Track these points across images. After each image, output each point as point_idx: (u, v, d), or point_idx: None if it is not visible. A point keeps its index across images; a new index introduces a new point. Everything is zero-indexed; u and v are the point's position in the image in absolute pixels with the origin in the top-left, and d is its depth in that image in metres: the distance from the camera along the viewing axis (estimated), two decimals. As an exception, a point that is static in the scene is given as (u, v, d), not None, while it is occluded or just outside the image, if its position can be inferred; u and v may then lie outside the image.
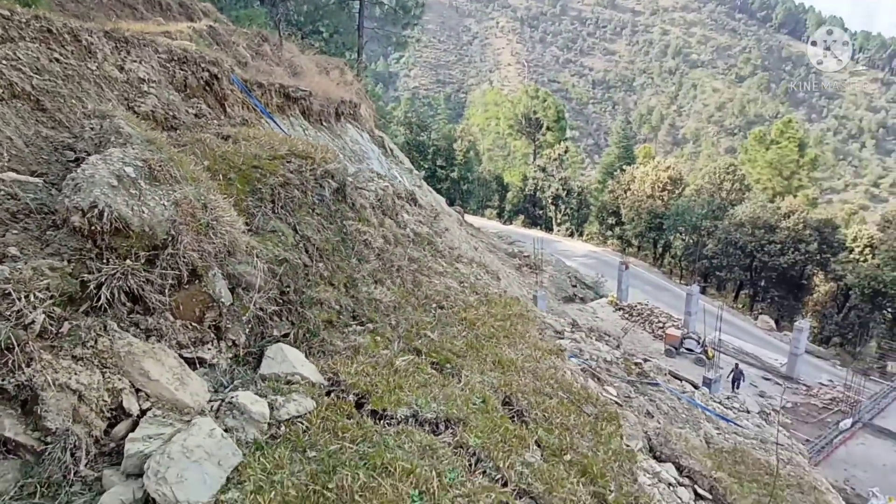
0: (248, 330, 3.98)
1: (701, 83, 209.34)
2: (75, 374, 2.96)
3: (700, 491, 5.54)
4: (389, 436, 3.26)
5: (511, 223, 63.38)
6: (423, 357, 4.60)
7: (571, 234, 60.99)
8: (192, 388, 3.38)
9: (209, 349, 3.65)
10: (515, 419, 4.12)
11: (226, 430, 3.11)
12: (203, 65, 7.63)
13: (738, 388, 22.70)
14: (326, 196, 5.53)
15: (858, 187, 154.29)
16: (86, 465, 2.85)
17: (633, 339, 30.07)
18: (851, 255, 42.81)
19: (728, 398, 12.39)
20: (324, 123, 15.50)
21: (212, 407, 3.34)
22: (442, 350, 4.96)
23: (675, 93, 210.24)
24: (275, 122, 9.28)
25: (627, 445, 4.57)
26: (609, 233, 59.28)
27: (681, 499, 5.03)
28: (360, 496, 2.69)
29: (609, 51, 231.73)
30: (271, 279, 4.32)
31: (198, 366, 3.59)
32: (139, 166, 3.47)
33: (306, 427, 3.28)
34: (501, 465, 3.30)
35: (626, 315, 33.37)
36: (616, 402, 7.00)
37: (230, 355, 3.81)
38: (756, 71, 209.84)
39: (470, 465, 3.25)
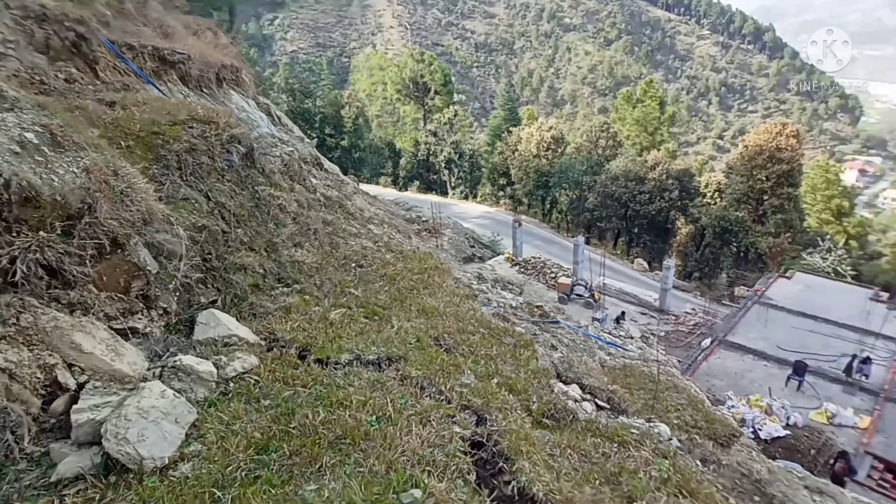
0: (176, 297, 3.93)
1: (574, 46, 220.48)
2: (1, 352, 2.82)
3: (600, 403, 6.44)
4: (339, 377, 3.50)
5: (407, 190, 63.54)
6: (355, 311, 4.83)
7: (466, 197, 62.70)
8: (128, 357, 3.34)
9: (140, 319, 3.59)
10: (447, 354, 4.54)
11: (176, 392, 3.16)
12: (67, 24, 6.85)
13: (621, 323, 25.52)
14: (235, 162, 5.41)
15: (707, 140, 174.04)
16: (29, 442, 2.78)
17: (531, 290, 32.22)
18: (705, 200, 48.83)
19: (615, 329, 14.10)
20: (204, 90, 14.44)
21: (154, 374, 3.34)
22: (368, 304, 5.21)
23: (552, 56, 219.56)
24: (157, 88, 8.60)
25: (542, 366, 5.23)
26: (501, 193, 61.75)
27: (586, 410, 5.85)
28: (324, 428, 2.93)
29: (489, 14, 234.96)
30: (193, 247, 4.25)
31: (130, 336, 3.52)
32: (39, 132, 3.23)
33: (256, 381, 3.41)
34: (444, 389, 3.69)
35: (522, 269, 35.54)
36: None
37: (162, 324, 3.77)
38: (621, 35, 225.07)
39: (416, 392, 3.60)
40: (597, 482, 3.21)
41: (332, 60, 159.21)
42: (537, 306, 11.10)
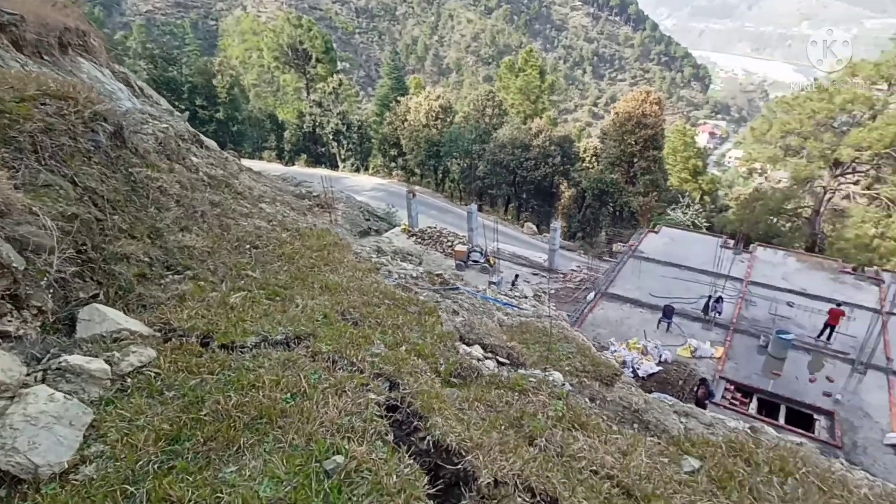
0: (50, 295, 3.58)
1: (456, 14, 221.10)
2: None
3: (501, 359, 6.92)
4: (247, 361, 3.45)
5: (294, 164, 60.75)
6: (255, 293, 4.71)
7: (357, 170, 61.44)
8: (1, 364, 3.02)
9: (10, 321, 3.23)
10: (355, 328, 4.62)
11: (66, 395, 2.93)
12: None
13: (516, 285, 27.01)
14: (102, 142, 4.90)
15: (584, 107, 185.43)
16: None
17: (429, 259, 32.82)
18: (584, 164, 52.42)
19: (511, 290, 14.99)
20: (45, 57, 12.59)
21: (35, 378, 3.06)
22: (269, 285, 5.10)
23: (434, 23, 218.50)
24: (-11, 57, 7.41)
25: (447, 331, 5.50)
26: (393, 164, 61.32)
27: (489, 367, 6.27)
28: (238, 411, 2.91)
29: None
30: (64, 238, 3.86)
31: (1, 341, 3.17)
32: None
33: (157, 373, 3.26)
34: (355, 360, 3.79)
35: (420, 240, 35.99)
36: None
37: (38, 324, 3.42)
38: (501, 3, 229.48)
39: (329, 366, 3.66)
40: (502, 427, 3.55)
41: (196, 23, 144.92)
42: (437, 275, 11.46)
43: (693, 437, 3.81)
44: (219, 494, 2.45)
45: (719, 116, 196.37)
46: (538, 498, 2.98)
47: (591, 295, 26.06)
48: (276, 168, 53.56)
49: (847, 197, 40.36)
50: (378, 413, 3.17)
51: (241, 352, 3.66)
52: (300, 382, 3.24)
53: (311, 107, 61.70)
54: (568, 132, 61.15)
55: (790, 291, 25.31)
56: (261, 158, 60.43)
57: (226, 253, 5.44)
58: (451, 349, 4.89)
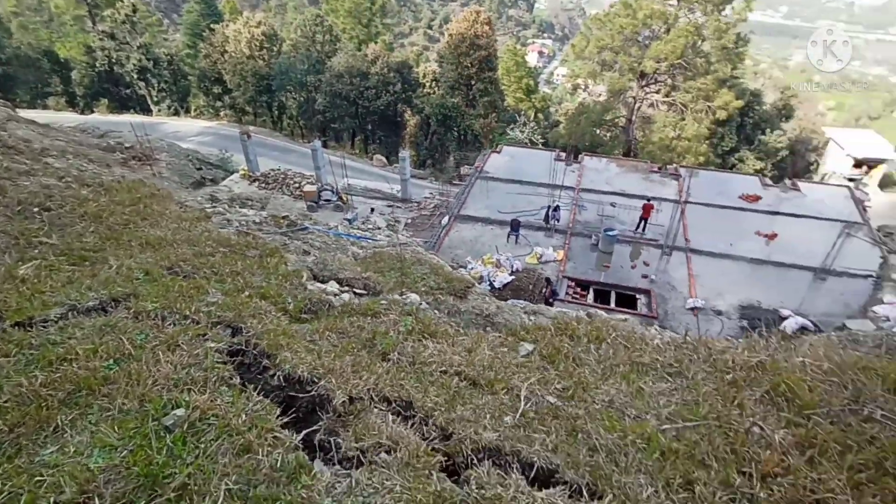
0: None
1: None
2: None
3: (358, 291, 6.97)
4: (52, 334, 3.02)
5: (93, 111, 51.66)
6: (53, 260, 4.06)
7: (177, 113, 54.40)
8: None
9: None
10: (186, 281, 4.26)
11: None
12: None
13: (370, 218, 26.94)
14: None
15: (419, 30, 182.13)
16: None
17: (276, 204, 31.05)
18: (425, 90, 52.34)
19: (364, 224, 14.93)
20: None
21: None
22: (72, 250, 4.43)
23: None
24: None
25: (293, 270, 5.32)
26: (219, 104, 55.30)
27: (345, 300, 6.28)
28: (49, 390, 2.57)
29: None
30: None
31: None
32: None
33: (-70, 369, 2.71)
34: (188, 313, 3.53)
35: (263, 184, 33.72)
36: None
37: None
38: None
39: (157, 323, 3.36)
40: (355, 350, 3.64)
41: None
42: (283, 217, 10.92)
43: (529, 326, 4.31)
44: (39, 478, 2.20)
45: (545, 35, 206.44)
46: (394, 404, 3.18)
47: (446, 219, 27.01)
48: (69, 118, 45.06)
49: (652, 105, 46.05)
50: (220, 360, 3.04)
51: (42, 326, 3.18)
52: (123, 346, 2.94)
53: (101, 39, 51.69)
54: (405, 57, 60.05)
55: (613, 193, 28.70)
56: (45, 107, 50.36)
57: (5, 219, 4.55)
58: (298, 287, 4.77)
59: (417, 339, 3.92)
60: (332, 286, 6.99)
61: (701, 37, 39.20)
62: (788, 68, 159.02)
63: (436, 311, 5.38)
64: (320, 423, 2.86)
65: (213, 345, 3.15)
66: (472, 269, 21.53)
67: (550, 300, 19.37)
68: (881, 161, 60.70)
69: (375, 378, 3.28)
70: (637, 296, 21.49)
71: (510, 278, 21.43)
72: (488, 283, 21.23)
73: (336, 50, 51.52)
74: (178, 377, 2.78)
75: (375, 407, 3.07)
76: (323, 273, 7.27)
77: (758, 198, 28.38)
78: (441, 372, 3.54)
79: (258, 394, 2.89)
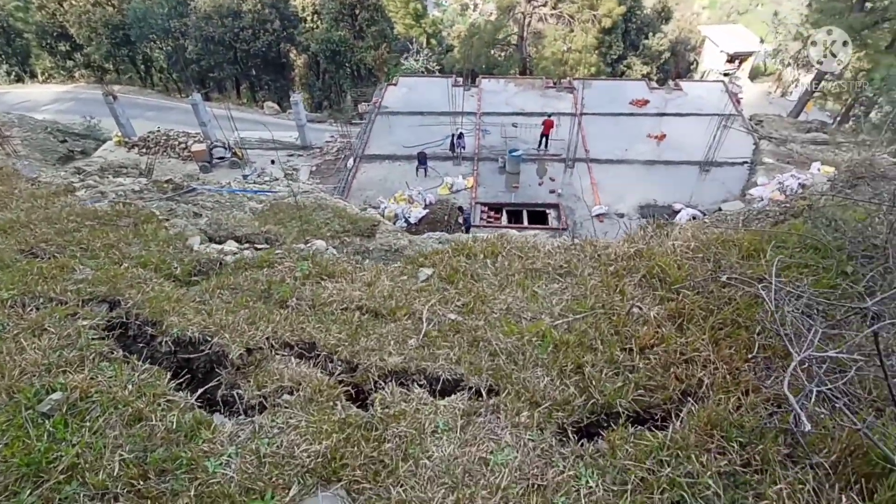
0: None
1: None
2: None
3: (258, 246, 6.67)
4: None
5: None
6: None
7: (20, 79, 47.13)
8: None
9: None
10: (47, 262, 3.87)
11: None
12: None
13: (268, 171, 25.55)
14: None
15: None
16: None
17: (164, 168, 28.53)
18: (307, 25, 48.65)
19: (259, 177, 14.10)
20: None
21: None
22: None
23: None
24: None
25: (176, 233, 4.95)
26: (70, 63, 48.31)
27: (246, 256, 6.01)
28: None
29: None
30: None
31: None
32: None
33: None
34: (53, 294, 3.23)
35: (144, 149, 30.67)
36: (162, 219, 7.12)
37: None
38: None
39: (16, 312, 3.06)
40: (250, 303, 3.54)
41: None
42: (166, 181, 10.04)
43: (427, 252, 4.38)
44: None
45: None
46: (296, 348, 3.18)
47: (351, 162, 26.22)
48: None
49: (541, 19, 45.99)
50: (96, 336, 2.84)
51: None
52: (-24, 340, 2.66)
53: None
54: (280, -10, 54.96)
55: (513, 114, 28.99)
56: None
57: None
58: (183, 250, 4.48)
59: (316, 283, 3.87)
60: (231, 245, 6.66)
61: (579, -57, 39.15)
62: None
63: (350, 255, 5.31)
64: (219, 380, 2.81)
65: (85, 322, 2.92)
66: (385, 208, 21.34)
67: (467, 227, 19.75)
68: (750, 54, 65.42)
69: (273, 326, 3.23)
70: (547, 211, 22.42)
71: (425, 212, 21.53)
72: (404, 219, 21.22)
73: (198, -12, 46.10)
74: (49, 362, 2.58)
75: (277, 354, 3.05)
76: (218, 233, 6.88)
77: (646, 101, 29.85)
78: (342, 309, 3.55)
79: (145, 362, 2.77)
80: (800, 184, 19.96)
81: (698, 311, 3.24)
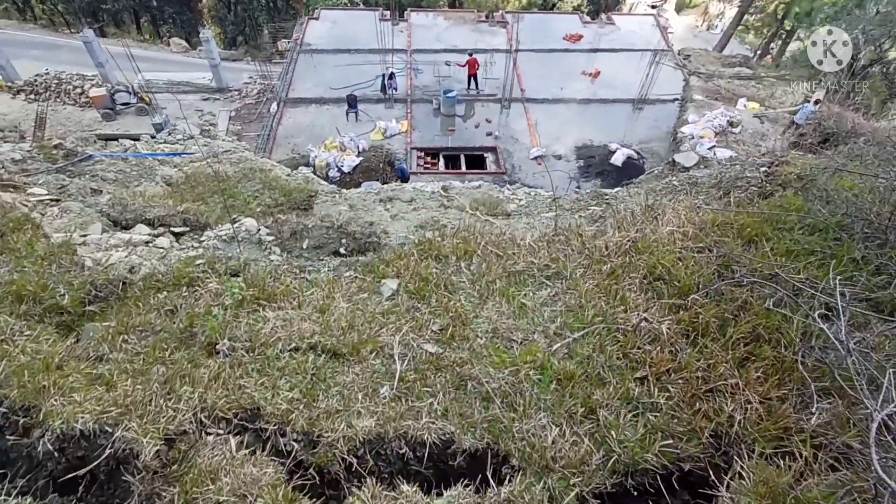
0: None
1: None
2: None
3: (175, 230, 5.66)
4: None
5: None
6: None
7: None
8: None
9: None
10: None
11: None
12: None
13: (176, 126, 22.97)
14: None
15: None
16: None
17: (59, 120, 25.05)
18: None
19: (170, 133, 12.26)
20: None
21: None
22: None
23: None
24: None
25: (62, 242, 3.88)
26: (-73, -8, 40.89)
27: (161, 247, 5.03)
28: None
29: None
30: None
31: None
32: None
33: None
34: None
35: (32, 96, 26.66)
36: (51, 201, 5.86)
37: None
38: None
39: None
40: (167, 352, 2.73)
41: None
42: (55, 147, 8.37)
43: (386, 254, 3.64)
44: None
45: None
46: (235, 421, 2.44)
47: (274, 106, 24.11)
48: None
49: (469, -55, 43.15)
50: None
51: None
52: None
53: None
54: None
55: (445, 51, 27.44)
56: None
57: None
58: (73, 267, 3.46)
59: (252, 310, 3.06)
60: (142, 231, 5.59)
61: None
62: None
63: (275, 251, 4.47)
64: (130, 490, 2.05)
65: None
66: (315, 157, 19.92)
67: (405, 176, 18.86)
68: (676, -15, 65.47)
69: (202, 392, 2.46)
70: (485, 154, 21.79)
71: (358, 160, 20.32)
72: (336, 168, 19.96)
73: None
74: None
75: (209, 435, 2.32)
76: (124, 216, 5.75)
77: (580, 37, 29.12)
78: (291, 351, 2.80)
79: (15, 475, 1.97)
80: (728, 121, 20.39)
81: (713, 320, 2.82)
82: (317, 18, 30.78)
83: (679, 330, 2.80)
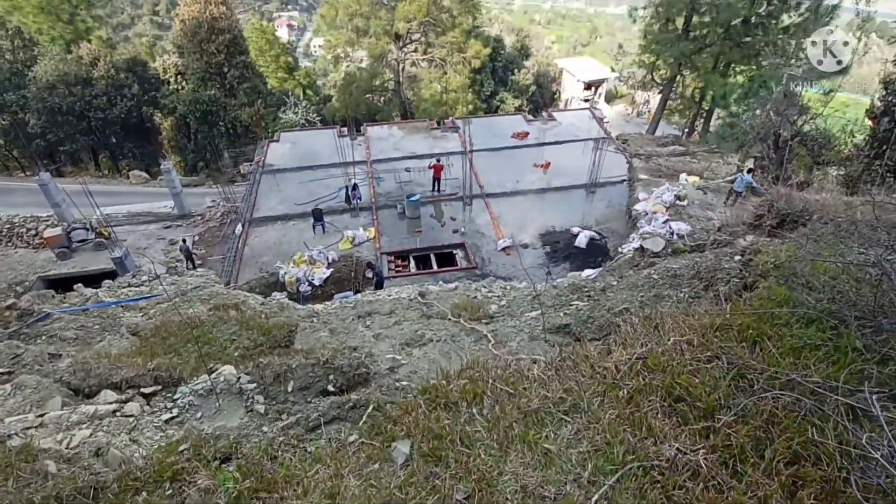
0: None
1: None
2: None
3: (146, 390, 5.23)
4: None
5: None
6: None
7: None
8: None
9: None
10: None
11: None
12: None
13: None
14: None
15: (142, 18, 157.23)
16: None
17: (9, 264, 24.32)
18: (172, 87, 45.43)
19: (134, 276, 11.86)
20: None
21: None
22: None
23: None
24: None
25: (22, 445, 3.43)
26: None
27: (131, 415, 4.60)
28: None
29: None
30: None
31: None
32: None
33: None
34: None
35: (-18, 243, 26.04)
36: (3, 374, 5.39)
37: None
38: None
39: None
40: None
41: None
42: (8, 307, 7.87)
43: (390, 410, 3.37)
44: None
45: (289, 7, 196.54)
46: None
47: (239, 227, 24.24)
48: None
49: (414, 64, 47.02)
50: None
51: None
52: None
53: None
54: (136, 53, 50.94)
55: (404, 158, 28.76)
56: None
57: None
58: (35, 477, 3.01)
59: (251, 507, 2.69)
60: (107, 399, 5.14)
61: (439, -6, 40.91)
62: (514, 11, 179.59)
63: (259, 399, 4.12)
64: None
65: None
66: (285, 273, 19.78)
67: (380, 282, 18.78)
68: (603, 80, 72.52)
69: None
70: (454, 251, 22.13)
71: (329, 272, 20.29)
72: (307, 283, 19.80)
73: (35, 57, 41.32)
74: None
75: None
76: (88, 383, 5.31)
77: (526, 133, 31.16)
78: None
79: None
80: (675, 195, 21.55)
81: (746, 440, 2.66)
82: (277, 140, 32.06)
83: (715, 458, 2.62)
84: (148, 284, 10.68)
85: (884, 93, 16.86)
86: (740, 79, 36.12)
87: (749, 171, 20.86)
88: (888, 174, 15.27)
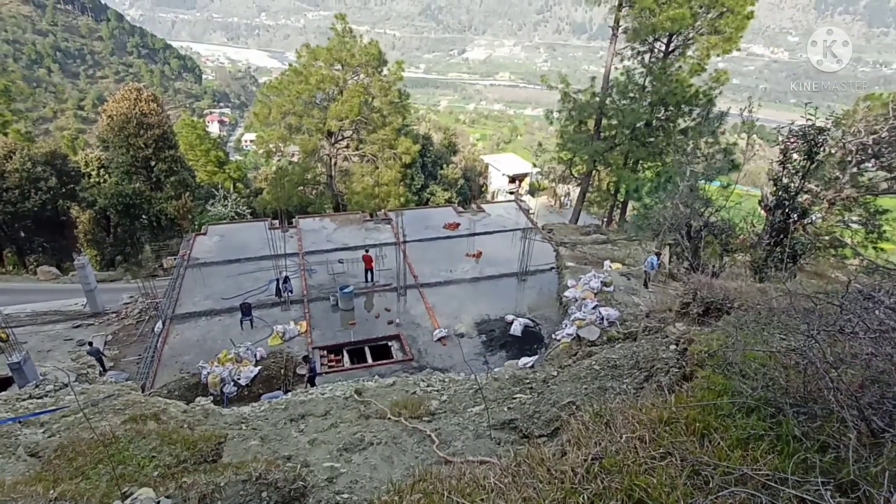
0: None
1: None
2: None
3: (45, 528, 4.49)
4: None
5: None
6: None
7: None
8: None
9: None
10: None
11: None
12: None
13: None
14: None
15: (67, 112, 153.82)
16: None
17: None
18: (92, 180, 43.72)
19: (37, 385, 10.48)
20: None
21: None
22: None
23: None
24: None
25: None
26: None
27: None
28: None
29: None
30: None
31: None
32: None
33: None
34: None
35: None
36: None
37: None
38: None
39: None
40: None
41: None
42: None
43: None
44: None
45: (221, 105, 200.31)
46: None
47: (159, 325, 22.57)
48: None
49: (346, 159, 48.44)
50: None
51: None
52: None
53: None
54: (56, 146, 49.07)
55: (337, 250, 28.64)
56: None
57: None
58: None
59: None
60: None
61: (371, 95, 43.30)
62: (440, 111, 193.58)
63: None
64: None
65: None
66: (208, 373, 18.34)
67: (313, 378, 17.87)
68: (526, 174, 77.95)
69: None
70: (389, 343, 21.64)
71: (256, 370, 19.04)
72: (232, 383, 18.41)
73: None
74: None
75: None
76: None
77: (457, 224, 32.26)
78: None
79: None
80: (601, 281, 22.66)
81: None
82: (204, 234, 31.12)
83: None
84: (53, 395, 9.44)
85: (774, 188, 19.27)
86: (649, 174, 40.06)
87: (657, 254, 22.85)
88: (788, 260, 17.06)
